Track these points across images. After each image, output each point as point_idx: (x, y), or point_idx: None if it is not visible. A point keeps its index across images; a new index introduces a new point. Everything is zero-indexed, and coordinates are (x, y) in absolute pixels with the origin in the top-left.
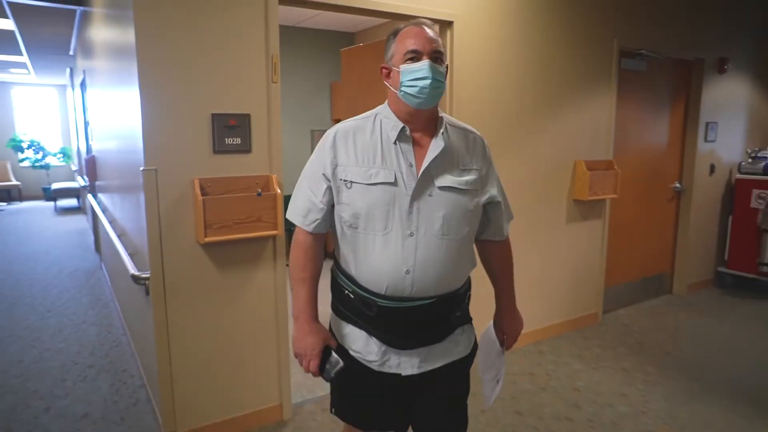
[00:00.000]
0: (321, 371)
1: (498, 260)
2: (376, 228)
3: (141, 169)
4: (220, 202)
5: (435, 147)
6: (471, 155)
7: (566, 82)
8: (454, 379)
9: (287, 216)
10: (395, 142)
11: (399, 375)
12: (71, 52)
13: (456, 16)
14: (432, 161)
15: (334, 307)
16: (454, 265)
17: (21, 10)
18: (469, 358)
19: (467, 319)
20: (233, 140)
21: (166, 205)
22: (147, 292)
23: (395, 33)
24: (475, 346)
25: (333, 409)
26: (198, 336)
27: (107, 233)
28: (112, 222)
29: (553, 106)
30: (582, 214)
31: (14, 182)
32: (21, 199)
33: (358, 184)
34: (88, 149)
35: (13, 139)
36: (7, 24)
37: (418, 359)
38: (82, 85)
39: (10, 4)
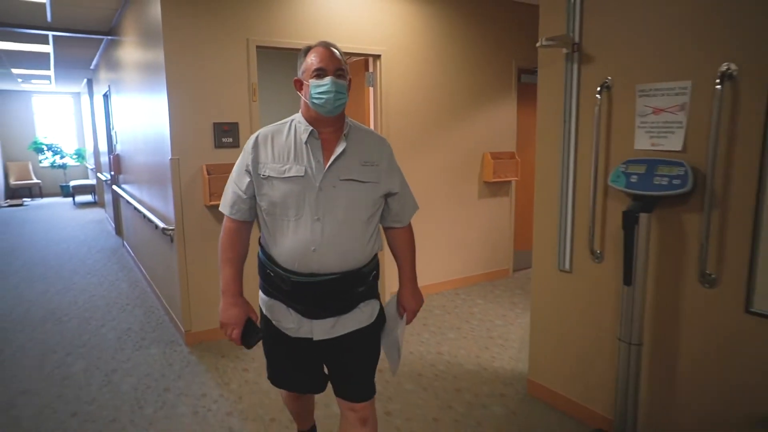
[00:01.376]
0: (242, 339)
1: (399, 244)
2: (289, 214)
3: (169, 158)
4: (219, 179)
5: (339, 146)
6: (371, 153)
7: (475, 94)
8: (361, 344)
9: (220, 208)
10: (306, 143)
11: (311, 339)
12: (92, 67)
13: (383, 51)
14: (336, 158)
15: (261, 286)
16: (355, 246)
17: (61, 38)
18: (375, 327)
19: (373, 295)
20: (227, 139)
21: (185, 181)
22: (172, 240)
23: (306, 51)
24: (381, 317)
25: (269, 377)
26: (204, 267)
27: (131, 213)
28: (138, 200)
29: (465, 113)
30: (491, 192)
31: (35, 180)
32: (41, 196)
33: (274, 178)
34: (112, 148)
35: (35, 142)
36: (46, 48)
37: (327, 326)
38: (106, 95)
39: (54, 36)
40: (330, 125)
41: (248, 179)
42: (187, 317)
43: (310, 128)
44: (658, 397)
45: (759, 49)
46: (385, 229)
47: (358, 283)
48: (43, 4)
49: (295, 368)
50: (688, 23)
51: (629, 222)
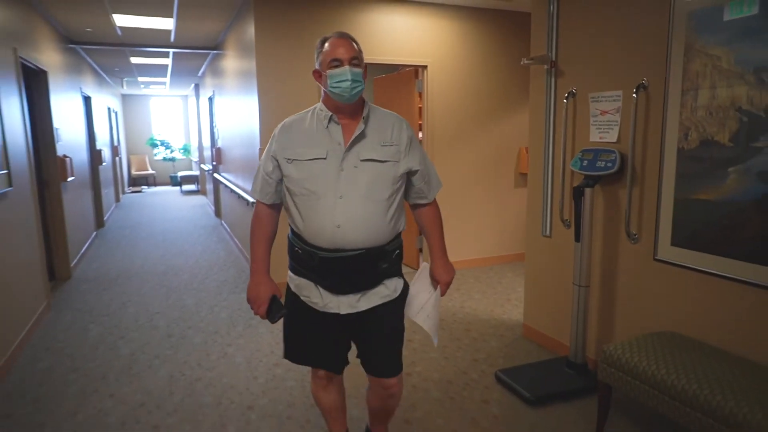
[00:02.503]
0: (267, 315)
1: (426, 220)
2: (313, 194)
3: (258, 149)
4: None
5: (358, 129)
6: (390, 134)
7: (512, 96)
8: (386, 318)
9: (250, 193)
10: (327, 128)
11: (338, 314)
12: (199, 74)
13: (429, 62)
14: (355, 139)
15: (290, 265)
16: (378, 222)
17: (178, 53)
18: (399, 302)
19: (396, 272)
20: None
21: None
22: None
23: (322, 43)
24: (404, 291)
25: (285, 355)
26: (280, 234)
27: (228, 195)
28: (234, 184)
29: (502, 113)
30: (525, 183)
31: (151, 171)
32: (155, 184)
33: (298, 160)
34: (215, 143)
35: (151, 139)
36: (167, 61)
37: (353, 301)
38: (211, 98)
39: (174, 53)
40: (349, 110)
41: (274, 164)
42: None
43: (330, 113)
44: (601, 326)
45: (660, 69)
46: (412, 207)
47: (382, 259)
48: (169, 31)
49: (320, 343)
50: (620, 50)
51: (577, 195)
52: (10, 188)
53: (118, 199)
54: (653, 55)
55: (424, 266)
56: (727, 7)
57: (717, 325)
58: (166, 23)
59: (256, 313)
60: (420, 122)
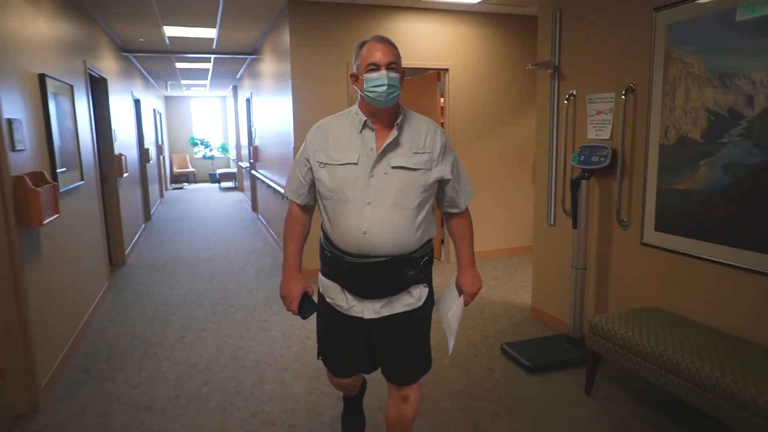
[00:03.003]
0: (299, 311)
1: (455, 229)
2: (343, 198)
3: (292, 147)
4: None
5: (390, 135)
6: (423, 141)
7: (527, 97)
8: (408, 327)
9: (284, 192)
10: (360, 132)
11: (362, 318)
12: (237, 77)
13: (450, 65)
14: (387, 146)
15: (321, 268)
16: (405, 230)
17: (219, 59)
18: (422, 311)
19: (424, 280)
20: None
21: None
22: None
23: (360, 46)
24: (429, 300)
25: (319, 356)
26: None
27: (264, 191)
28: (270, 180)
29: (520, 112)
30: None
31: (191, 169)
32: (195, 181)
33: (330, 164)
34: (252, 141)
35: (191, 138)
36: (208, 66)
37: (377, 307)
38: (248, 99)
39: (215, 58)
40: (384, 115)
41: (307, 166)
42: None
43: (365, 118)
44: (596, 304)
45: (644, 74)
46: (443, 214)
47: (408, 267)
48: (212, 39)
49: (346, 348)
50: (613, 56)
51: (574, 186)
52: (81, 182)
53: (162, 195)
54: (639, 62)
55: (452, 282)
56: (740, 8)
57: (693, 301)
58: (210, 32)
59: (288, 309)
60: (442, 121)
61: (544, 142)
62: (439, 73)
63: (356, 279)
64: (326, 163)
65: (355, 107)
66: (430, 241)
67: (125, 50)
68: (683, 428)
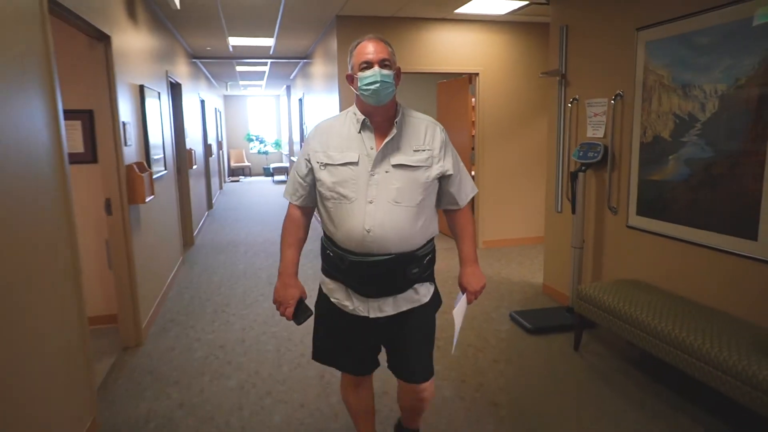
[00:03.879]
0: (294, 317)
1: (456, 226)
2: (344, 198)
3: None
4: None
5: (390, 134)
6: (423, 138)
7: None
8: (416, 324)
9: (283, 195)
10: (359, 132)
11: (368, 318)
12: (291, 77)
13: (480, 70)
14: (386, 144)
15: (322, 268)
16: (408, 228)
17: (275, 62)
18: (429, 307)
19: (428, 278)
20: None
21: None
22: None
23: (355, 46)
24: (435, 298)
25: (314, 356)
26: None
27: None
28: None
29: (542, 112)
30: None
31: (247, 163)
32: (250, 175)
33: (330, 164)
34: (304, 137)
35: (247, 135)
36: (265, 69)
37: (383, 305)
38: (300, 99)
39: (272, 62)
40: (382, 114)
41: (308, 168)
42: None
43: (363, 117)
44: (592, 278)
45: (630, 82)
46: (444, 212)
47: (412, 264)
48: (270, 46)
49: (350, 346)
50: (607, 67)
51: (573, 178)
52: (165, 171)
53: (221, 187)
54: (626, 72)
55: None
56: (756, 15)
57: (663, 273)
58: (268, 41)
59: (282, 315)
60: (473, 120)
61: (552, 140)
62: (471, 77)
63: (360, 278)
64: (327, 164)
65: (353, 107)
66: (432, 239)
67: (194, 57)
68: (652, 378)
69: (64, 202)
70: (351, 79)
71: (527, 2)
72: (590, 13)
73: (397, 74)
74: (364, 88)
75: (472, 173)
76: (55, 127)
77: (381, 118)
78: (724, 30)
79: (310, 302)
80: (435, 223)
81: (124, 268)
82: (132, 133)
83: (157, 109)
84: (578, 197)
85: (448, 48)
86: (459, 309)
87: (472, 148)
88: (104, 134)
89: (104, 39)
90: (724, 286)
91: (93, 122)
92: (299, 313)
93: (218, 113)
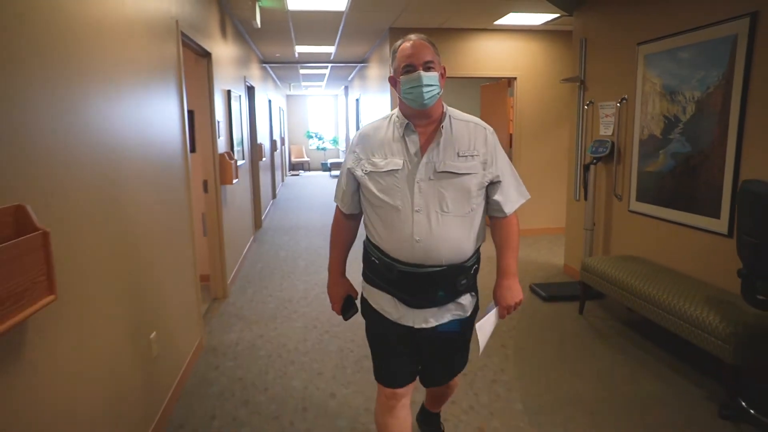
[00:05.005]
0: (342, 312)
1: (498, 235)
2: (390, 206)
3: None
4: None
5: (435, 138)
6: (469, 143)
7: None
8: (456, 336)
9: (334, 200)
10: (403, 136)
11: (413, 328)
12: (349, 79)
13: (518, 74)
14: (431, 149)
15: (364, 275)
16: (459, 238)
17: (335, 66)
18: (470, 320)
19: (471, 288)
20: None
21: None
22: None
23: (397, 47)
24: (476, 310)
25: (377, 377)
26: None
27: None
28: None
29: (570, 114)
30: None
31: (306, 159)
32: (309, 170)
33: (374, 172)
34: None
35: (307, 132)
36: (325, 71)
37: (428, 316)
38: (357, 100)
39: (332, 66)
40: (426, 118)
41: (351, 175)
42: None
43: (406, 122)
44: (603, 255)
45: (632, 88)
46: (489, 218)
47: (461, 276)
48: (330, 53)
49: (393, 356)
50: (615, 75)
51: (586, 170)
52: (243, 161)
53: (283, 180)
54: (630, 80)
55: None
56: None
57: (655, 249)
58: (329, 49)
59: (332, 309)
60: (511, 119)
61: (573, 137)
62: (510, 81)
63: (409, 288)
64: (371, 171)
65: (397, 111)
66: (479, 248)
67: (264, 62)
68: (642, 336)
69: (186, 181)
70: (394, 81)
71: (558, 15)
72: (603, 28)
73: (442, 75)
74: (407, 91)
75: None
76: (182, 123)
77: (426, 121)
78: (698, 47)
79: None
80: (484, 232)
81: (215, 236)
82: (222, 129)
83: (238, 108)
84: (590, 186)
85: (489, 55)
86: (487, 321)
87: (510, 146)
88: (203, 129)
89: (207, 55)
90: (695, 256)
91: (193, 120)
92: (346, 308)
93: (281, 112)
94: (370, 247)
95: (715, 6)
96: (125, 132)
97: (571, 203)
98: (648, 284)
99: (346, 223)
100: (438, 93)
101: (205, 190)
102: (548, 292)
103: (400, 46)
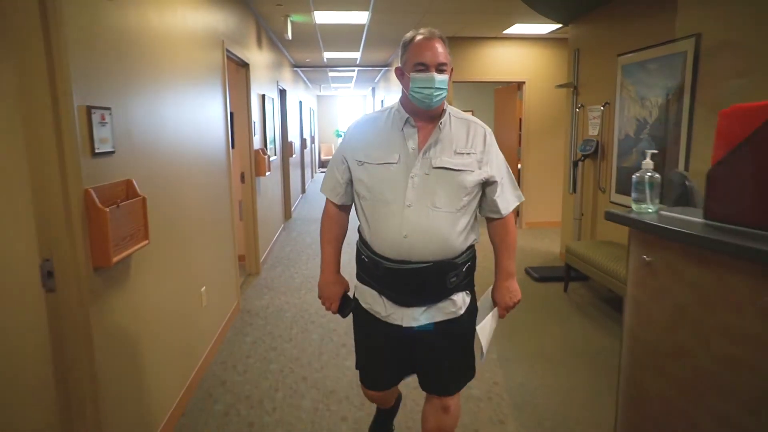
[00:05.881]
0: (339, 311)
1: (496, 235)
2: (382, 200)
3: None
4: None
5: (433, 135)
6: (467, 141)
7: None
8: (450, 336)
9: (320, 190)
10: (402, 131)
11: (401, 327)
12: (375, 81)
13: (527, 78)
14: (429, 145)
15: (357, 274)
16: (448, 235)
17: (362, 70)
18: (465, 320)
19: (466, 287)
20: None
21: None
22: None
23: (410, 41)
24: (472, 307)
25: (358, 366)
26: None
27: None
28: None
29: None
30: None
31: None
32: None
33: (368, 163)
34: None
35: (336, 130)
36: (353, 74)
37: (417, 314)
38: (382, 101)
39: (358, 70)
40: (428, 114)
41: (345, 165)
42: None
43: (407, 116)
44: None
45: (613, 94)
46: (486, 219)
47: (451, 273)
48: (356, 58)
49: (383, 358)
50: (601, 81)
51: (574, 165)
52: (276, 156)
53: (312, 176)
54: (611, 86)
55: (489, 289)
56: None
57: (626, 234)
58: (355, 54)
59: (327, 309)
60: (520, 118)
61: (567, 137)
62: (519, 84)
63: (395, 285)
64: (365, 162)
65: (397, 103)
66: (473, 246)
67: (295, 66)
68: (615, 309)
69: (228, 172)
70: (401, 74)
71: (561, 25)
72: (592, 40)
73: (450, 77)
74: (417, 90)
75: (518, 166)
76: (226, 123)
77: (426, 117)
78: (661, 60)
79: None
80: (477, 230)
81: (250, 220)
82: (257, 128)
83: (271, 110)
84: (578, 180)
85: (500, 61)
86: (487, 323)
87: (519, 144)
88: (241, 128)
89: (245, 66)
90: None
91: (233, 120)
92: (343, 307)
93: (312, 112)
94: (360, 244)
95: (673, 26)
96: (185, 130)
97: (566, 196)
98: (615, 263)
99: (338, 216)
100: (445, 95)
101: (242, 180)
102: (540, 273)
103: (413, 39)
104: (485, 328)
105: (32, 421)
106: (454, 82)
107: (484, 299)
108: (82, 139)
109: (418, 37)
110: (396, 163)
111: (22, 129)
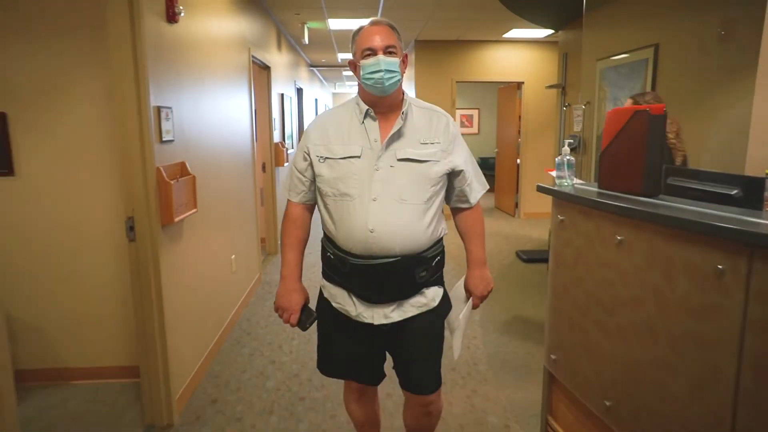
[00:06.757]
0: (299, 323)
1: (465, 226)
2: (346, 195)
3: None
4: None
5: (395, 126)
6: (431, 131)
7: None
8: (423, 331)
9: (282, 192)
10: (363, 123)
11: (372, 324)
12: None
13: (525, 79)
14: (392, 136)
15: (323, 272)
16: (415, 228)
17: None
18: (437, 313)
19: (436, 281)
20: None
21: None
22: None
23: (357, 31)
24: (444, 302)
25: (318, 365)
26: None
27: None
28: None
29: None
30: None
31: None
32: None
33: (331, 158)
34: None
35: None
36: None
37: (387, 311)
38: None
39: None
40: (387, 104)
41: (307, 162)
42: None
43: (366, 108)
44: None
45: (593, 94)
46: (452, 210)
47: (420, 267)
48: None
49: (354, 354)
50: (581, 81)
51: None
52: (293, 149)
53: None
54: (591, 88)
55: (461, 281)
56: None
57: None
58: None
59: (286, 322)
60: (520, 116)
61: (556, 132)
62: (518, 84)
63: (363, 282)
64: (327, 157)
65: (356, 96)
66: (441, 239)
67: (311, 66)
68: None
69: (253, 162)
70: (354, 66)
71: (554, 31)
72: (577, 45)
73: (404, 61)
74: (367, 77)
75: (518, 160)
76: (251, 119)
77: (386, 108)
78: (629, 66)
79: (311, 306)
80: (443, 222)
81: (270, 206)
82: (276, 124)
83: (289, 107)
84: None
85: (501, 62)
86: (463, 315)
87: (519, 139)
88: (262, 124)
89: (267, 69)
90: None
91: (255, 117)
92: (304, 319)
93: (327, 108)
94: (325, 241)
95: (638, 36)
96: (220, 125)
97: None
98: None
99: (301, 219)
100: (399, 79)
101: (264, 170)
102: (529, 255)
103: (361, 29)
104: (460, 321)
105: (113, 340)
106: (458, 82)
107: (456, 291)
108: (155, 131)
109: (366, 25)
110: (359, 157)
111: (117, 124)
